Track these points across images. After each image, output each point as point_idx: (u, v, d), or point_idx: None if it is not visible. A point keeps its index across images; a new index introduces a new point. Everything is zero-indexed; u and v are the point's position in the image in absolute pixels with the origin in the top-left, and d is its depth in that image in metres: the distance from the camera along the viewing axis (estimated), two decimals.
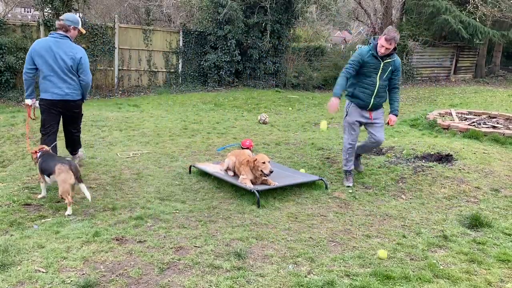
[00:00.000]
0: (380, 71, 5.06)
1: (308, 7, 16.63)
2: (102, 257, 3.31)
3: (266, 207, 4.55)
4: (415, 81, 20.12)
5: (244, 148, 6.60)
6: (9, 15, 16.27)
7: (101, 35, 13.32)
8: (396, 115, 5.33)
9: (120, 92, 13.90)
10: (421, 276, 3.18)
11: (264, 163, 4.77)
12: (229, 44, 14.73)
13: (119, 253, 3.38)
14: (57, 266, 3.15)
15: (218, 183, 5.27)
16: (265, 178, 4.88)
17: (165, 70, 15.01)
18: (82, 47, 5.29)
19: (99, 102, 12.08)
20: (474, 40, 20.10)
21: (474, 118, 9.08)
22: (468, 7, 17.79)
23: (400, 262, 3.41)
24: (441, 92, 17.49)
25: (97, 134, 7.76)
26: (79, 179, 4.28)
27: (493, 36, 19.69)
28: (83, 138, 7.14)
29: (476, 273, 3.27)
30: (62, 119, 5.37)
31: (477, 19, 18.29)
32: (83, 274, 3.06)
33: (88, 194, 4.26)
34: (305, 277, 3.14)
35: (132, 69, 14.32)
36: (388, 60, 5.07)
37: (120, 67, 14.01)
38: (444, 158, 6.10)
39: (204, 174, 5.54)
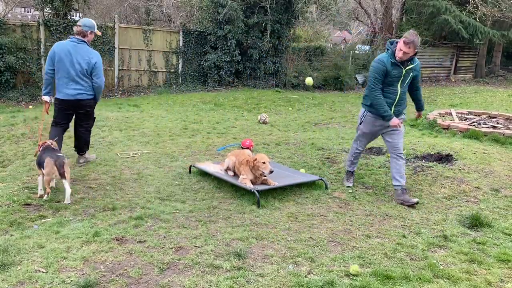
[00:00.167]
0: (401, 78, 4.78)
1: (308, 7, 16.62)
2: (102, 257, 3.31)
3: (266, 207, 4.55)
4: None
5: (244, 148, 6.60)
6: (9, 15, 16.27)
7: (100, 35, 13.31)
8: (422, 110, 5.41)
9: (120, 92, 13.90)
10: (421, 276, 3.18)
11: (264, 163, 4.77)
12: (229, 44, 14.73)
13: (119, 253, 3.38)
14: (57, 266, 3.15)
15: (218, 183, 5.27)
16: (265, 178, 4.89)
17: (165, 70, 15.00)
18: None
19: (99, 102, 12.05)
20: (474, 40, 20.11)
21: (474, 118, 9.08)
22: (468, 7, 17.79)
23: (400, 262, 3.41)
24: (441, 92, 17.50)
25: (97, 134, 7.76)
26: (62, 174, 4.48)
27: (493, 36, 19.70)
28: None
29: (476, 273, 3.27)
30: (74, 117, 5.72)
31: (477, 19, 18.30)
32: (83, 274, 3.06)
33: (68, 191, 4.48)
34: (305, 277, 3.14)
35: (132, 69, 14.31)
36: (410, 66, 4.77)
37: (120, 67, 14.01)
38: (444, 158, 6.10)
39: (204, 174, 5.54)
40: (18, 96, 11.86)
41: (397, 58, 4.65)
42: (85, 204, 4.45)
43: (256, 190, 4.64)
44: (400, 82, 4.79)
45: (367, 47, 21.34)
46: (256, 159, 4.83)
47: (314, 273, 3.21)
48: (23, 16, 28.92)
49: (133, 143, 7.29)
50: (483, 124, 8.44)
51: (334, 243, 3.76)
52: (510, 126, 8.28)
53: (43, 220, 4.01)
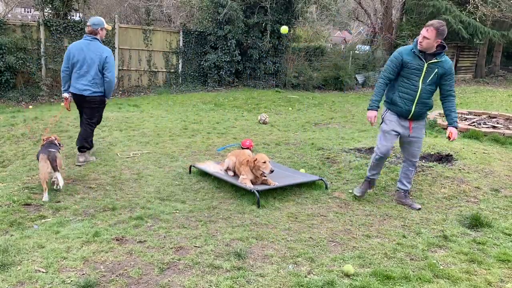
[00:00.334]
0: (423, 73, 4.33)
1: (308, 7, 16.62)
2: (102, 257, 3.31)
3: (266, 207, 4.55)
4: None
5: (244, 148, 6.60)
6: (9, 15, 16.28)
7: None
8: (456, 128, 4.45)
9: (120, 92, 13.90)
10: (421, 276, 3.18)
11: (264, 162, 4.77)
12: (229, 44, 14.73)
13: (119, 253, 3.38)
14: (57, 266, 3.15)
15: (218, 183, 5.27)
16: (265, 178, 4.89)
17: (165, 70, 15.00)
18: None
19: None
20: (474, 40, 20.12)
21: (474, 118, 9.08)
22: (468, 7, 17.80)
23: (400, 262, 3.41)
24: None
25: (97, 134, 7.74)
26: (55, 168, 4.61)
27: (493, 36, 19.71)
28: None
29: (476, 273, 3.27)
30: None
31: (477, 19, 18.30)
32: (83, 274, 3.06)
33: (61, 183, 4.64)
34: (305, 277, 3.14)
35: (132, 69, 14.31)
36: (434, 61, 4.31)
37: (120, 67, 14.01)
38: (444, 158, 6.10)
39: (204, 174, 5.53)
40: (18, 96, 11.86)
41: (419, 46, 4.29)
42: (85, 204, 4.45)
43: (256, 190, 4.64)
44: (422, 78, 4.35)
45: (367, 47, 21.35)
46: (256, 159, 4.83)
47: (314, 273, 3.21)
48: (23, 16, 28.93)
49: (133, 143, 7.29)
50: (483, 124, 8.44)
51: (334, 243, 3.76)
52: (510, 126, 8.28)
53: (43, 220, 4.01)
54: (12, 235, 3.66)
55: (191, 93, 14.20)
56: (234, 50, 14.84)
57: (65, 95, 5.87)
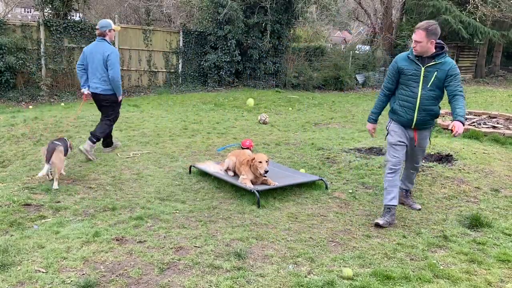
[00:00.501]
0: (421, 78, 4.08)
1: (308, 7, 16.63)
2: (102, 257, 3.31)
3: (266, 207, 4.55)
4: None
5: (244, 148, 6.60)
6: (9, 15, 16.28)
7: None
8: (462, 122, 3.90)
9: None
10: (421, 276, 3.18)
11: (260, 162, 4.76)
12: (229, 44, 14.73)
13: (119, 253, 3.38)
14: (57, 266, 3.15)
15: (218, 183, 5.26)
16: (265, 178, 4.89)
17: (165, 70, 15.01)
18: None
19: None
20: (474, 40, 20.14)
21: (474, 118, 9.08)
22: (468, 7, 17.81)
23: (400, 262, 3.41)
24: None
25: None
26: (47, 159, 4.80)
27: (493, 36, 19.72)
28: (83, 137, 7.16)
29: (476, 273, 3.27)
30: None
31: (477, 19, 18.32)
32: (83, 274, 3.06)
33: (46, 171, 4.83)
34: (305, 277, 3.13)
35: (132, 69, 14.32)
36: (432, 64, 4.05)
37: (120, 67, 13.99)
38: (444, 158, 6.10)
39: (204, 174, 5.53)
40: (18, 96, 11.87)
41: (414, 51, 4.08)
42: (85, 204, 4.45)
43: (256, 190, 4.64)
44: (421, 83, 4.09)
45: (367, 47, 21.36)
46: (254, 158, 4.83)
47: (314, 273, 3.21)
48: (23, 16, 28.94)
49: (133, 143, 7.29)
50: (483, 124, 8.44)
51: (334, 243, 3.76)
52: (510, 126, 8.28)
53: (43, 220, 4.01)
54: (12, 235, 3.66)
55: (191, 93, 14.20)
56: (234, 50, 14.84)
57: (83, 90, 6.24)
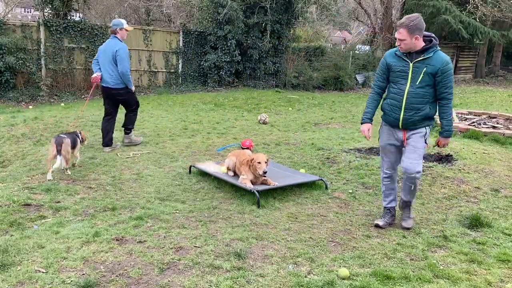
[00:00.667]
0: (410, 74, 3.83)
1: (308, 7, 16.63)
2: (102, 257, 3.31)
3: (266, 207, 4.55)
4: None
5: (244, 148, 6.60)
6: (9, 15, 16.27)
7: (101, 35, 13.29)
8: (447, 137, 3.90)
9: None
10: (421, 276, 3.18)
11: (259, 163, 4.76)
12: (229, 44, 14.73)
13: (119, 253, 3.38)
14: (57, 266, 3.15)
15: (218, 183, 5.27)
16: (265, 178, 4.89)
17: (165, 70, 15.00)
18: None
19: (99, 102, 12.06)
20: (474, 40, 20.14)
21: (474, 118, 9.08)
22: (468, 7, 17.81)
23: (400, 262, 3.41)
24: None
25: (97, 134, 7.75)
26: (59, 151, 5.14)
27: (493, 36, 19.72)
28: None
29: (476, 273, 3.27)
30: None
31: (477, 19, 18.32)
32: (83, 274, 3.06)
33: (58, 163, 5.14)
34: (305, 277, 3.13)
35: (132, 69, 14.27)
36: (420, 59, 3.78)
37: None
38: (444, 158, 6.10)
39: (204, 174, 5.54)
40: (18, 96, 11.87)
41: (400, 49, 3.88)
42: (85, 204, 4.45)
43: (256, 190, 4.64)
44: (409, 80, 3.84)
45: (367, 47, 21.36)
46: (253, 158, 4.83)
47: (314, 273, 3.21)
48: (23, 16, 28.93)
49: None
50: (483, 124, 8.44)
51: (334, 243, 3.76)
52: (510, 126, 8.28)
53: (43, 220, 4.01)
54: (12, 235, 3.66)
55: (191, 93, 14.20)
56: (234, 50, 14.84)
57: (94, 74, 6.63)
